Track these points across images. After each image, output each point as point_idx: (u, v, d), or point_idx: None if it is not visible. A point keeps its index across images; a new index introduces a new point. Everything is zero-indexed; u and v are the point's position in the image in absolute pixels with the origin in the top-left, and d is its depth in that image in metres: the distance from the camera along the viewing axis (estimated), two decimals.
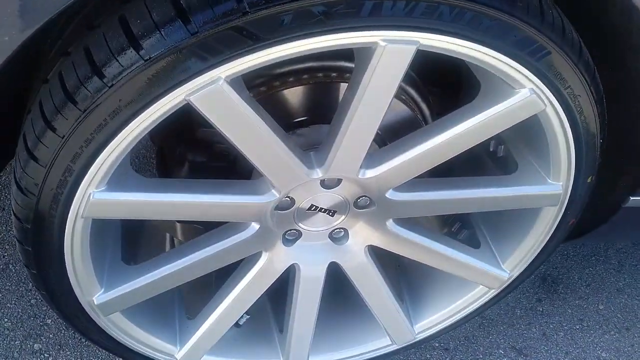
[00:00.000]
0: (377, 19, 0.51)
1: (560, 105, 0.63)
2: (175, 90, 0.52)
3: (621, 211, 0.82)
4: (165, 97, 0.53)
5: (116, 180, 0.60)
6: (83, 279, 0.67)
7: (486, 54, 0.57)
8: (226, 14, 0.49)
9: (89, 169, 0.56)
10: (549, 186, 0.74)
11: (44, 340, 0.97)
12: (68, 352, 0.96)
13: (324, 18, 0.51)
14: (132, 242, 0.79)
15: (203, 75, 0.52)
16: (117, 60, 0.50)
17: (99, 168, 0.56)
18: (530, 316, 1.16)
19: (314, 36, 0.52)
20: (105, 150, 0.55)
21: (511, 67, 0.58)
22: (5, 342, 0.96)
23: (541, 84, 0.60)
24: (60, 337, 0.98)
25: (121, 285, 0.72)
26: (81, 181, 0.56)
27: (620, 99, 0.71)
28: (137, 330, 0.78)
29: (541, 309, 1.18)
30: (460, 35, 0.54)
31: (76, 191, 0.57)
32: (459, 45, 0.56)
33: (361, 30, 0.52)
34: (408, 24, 0.52)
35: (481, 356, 1.07)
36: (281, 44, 0.52)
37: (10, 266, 1.07)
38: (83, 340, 0.97)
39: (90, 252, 0.65)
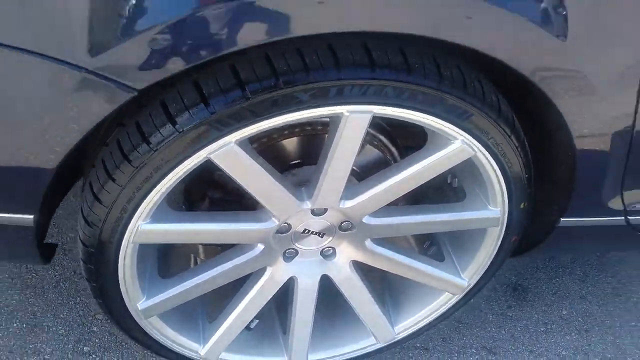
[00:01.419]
0: (341, 98, 0.72)
1: (487, 151, 0.83)
2: (200, 152, 0.73)
3: (555, 230, 1.01)
4: (193, 156, 0.74)
5: (157, 215, 0.81)
6: (130, 290, 0.88)
7: (425, 118, 0.78)
8: (234, 99, 0.70)
9: (138, 208, 0.77)
10: (490, 211, 0.94)
11: (92, 344, 1.18)
12: (111, 354, 1.17)
13: (305, 99, 0.73)
14: (166, 260, 1.00)
15: (219, 141, 0.73)
16: (160, 132, 0.72)
17: (146, 207, 0.77)
18: (501, 320, 1.34)
19: (298, 111, 0.73)
20: (150, 194, 0.76)
21: (444, 126, 0.79)
22: (60, 345, 1.17)
23: (469, 136, 0.80)
24: (104, 341, 1.19)
25: (158, 295, 0.93)
26: (133, 217, 0.77)
27: (542, 144, 0.91)
28: (169, 330, 0.99)
29: (511, 314, 1.36)
30: (403, 106, 0.75)
31: (129, 224, 0.78)
32: (403, 112, 0.76)
33: (331, 106, 0.73)
34: (363, 101, 0.73)
35: (456, 355, 1.26)
36: (275, 117, 0.73)
37: (61, 283, 1.29)
38: (124, 343, 1.18)
39: (136, 269, 0.86)
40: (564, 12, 0.72)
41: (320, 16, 0.67)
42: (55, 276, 1.30)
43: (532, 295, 1.40)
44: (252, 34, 0.66)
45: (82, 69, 0.65)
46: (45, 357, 1.15)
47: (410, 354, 1.24)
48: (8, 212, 0.78)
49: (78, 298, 1.25)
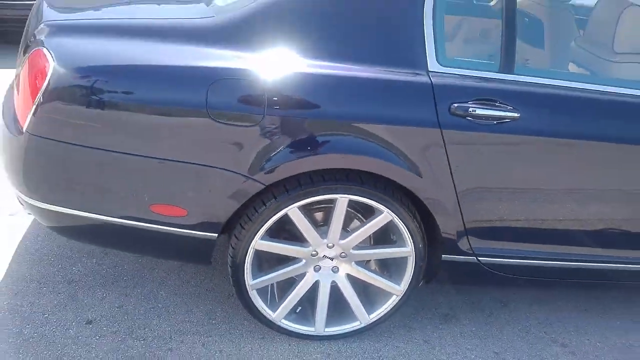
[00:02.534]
0: (335, 192, 1.92)
1: (400, 220, 1.98)
2: (285, 210, 1.93)
3: (442, 264, 2.11)
4: (283, 211, 1.93)
5: (264, 237, 1.99)
6: (247, 276, 2.03)
7: (372, 203, 1.96)
8: (297, 196, 1.91)
9: (258, 232, 1.96)
10: (407, 248, 2.06)
11: (226, 312, 2.29)
12: (239, 316, 2.27)
13: (320, 192, 1.93)
14: (259, 264, 2.15)
15: (289, 207, 1.92)
16: (264, 203, 1.92)
17: (261, 232, 1.96)
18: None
19: (318, 195, 1.92)
20: (262, 229, 1.95)
21: (381, 206, 1.96)
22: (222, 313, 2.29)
23: (391, 212, 1.97)
24: (235, 310, 2.29)
25: (256, 280, 2.08)
26: (254, 238, 1.96)
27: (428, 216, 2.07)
28: (260, 301, 2.11)
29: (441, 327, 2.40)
30: (364, 197, 1.93)
31: (251, 243, 1.96)
32: (364, 200, 1.94)
33: (332, 194, 1.92)
34: (343, 194, 1.92)
35: (402, 344, 2.29)
36: (311, 197, 1.93)
37: (214, 280, 2.42)
38: (242, 311, 2.28)
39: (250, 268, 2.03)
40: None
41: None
42: (214, 278, 2.45)
43: (455, 321, 2.43)
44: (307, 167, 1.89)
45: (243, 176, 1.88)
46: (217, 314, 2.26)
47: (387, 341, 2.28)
48: (206, 232, 1.96)
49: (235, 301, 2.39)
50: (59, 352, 2.04)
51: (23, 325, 2.13)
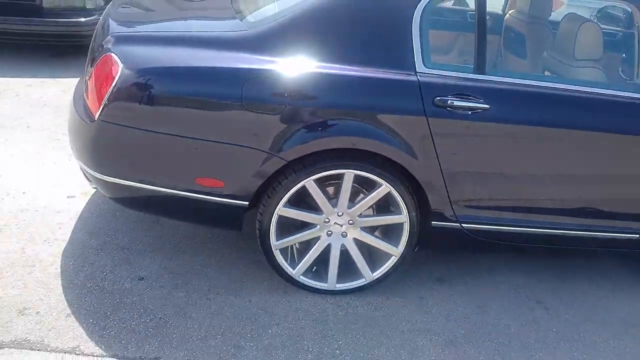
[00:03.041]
0: (345, 168, 2.38)
1: (396, 191, 2.44)
2: (303, 182, 2.40)
3: (432, 230, 2.57)
4: (301, 183, 2.40)
5: (285, 205, 2.46)
6: (272, 238, 2.50)
7: (373, 177, 2.42)
8: (312, 171, 2.38)
9: (280, 201, 2.43)
10: (403, 216, 2.52)
11: (256, 271, 2.75)
12: (262, 270, 2.73)
13: (331, 167, 2.39)
14: (281, 231, 2.61)
15: (305, 180, 2.38)
16: (287, 177, 2.39)
17: (283, 201, 2.43)
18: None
19: (329, 170, 2.39)
20: (284, 197, 2.42)
21: (380, 180, 2.42)
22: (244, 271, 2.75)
23: (390, 185, 2.43)
24: (260, 267, 2.75)
25: (279, 240, 2.54)
26: (277, 205, 2.43)
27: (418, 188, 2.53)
28: (282, 258, 2.58)
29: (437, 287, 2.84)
30: (367, 172, 2.40)
31: (276, 209, 2.43)
32: (367, 174, 2.41)
33: (340, 170, 2.39)
34: (349, 169, 2.38)
35: (400, 299, 2.73)
36: (325, 171, 2.39)
37: (240, 242, 2.89)
38: (267, 267, 2.74)
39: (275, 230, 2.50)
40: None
41: None
42: (242, 249, 2.91)
43: (447, 283, 2.88)
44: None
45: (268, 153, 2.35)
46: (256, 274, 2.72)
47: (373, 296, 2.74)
48: (239, 200, 2.43)
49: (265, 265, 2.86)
50: (117, 300, 2.51)
51: (86, 280, 2.61)
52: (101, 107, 2.32)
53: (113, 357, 2.24)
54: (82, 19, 5.15)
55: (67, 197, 3.22)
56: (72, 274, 2.64)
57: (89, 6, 5.20)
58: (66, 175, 3.42)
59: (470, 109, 2.34)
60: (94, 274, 2.66)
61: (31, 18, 5.06)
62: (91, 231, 2.95)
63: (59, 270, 2.65)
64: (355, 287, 2.67)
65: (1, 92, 4.53)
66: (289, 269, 2.60)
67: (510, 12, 3.49)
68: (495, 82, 2.38)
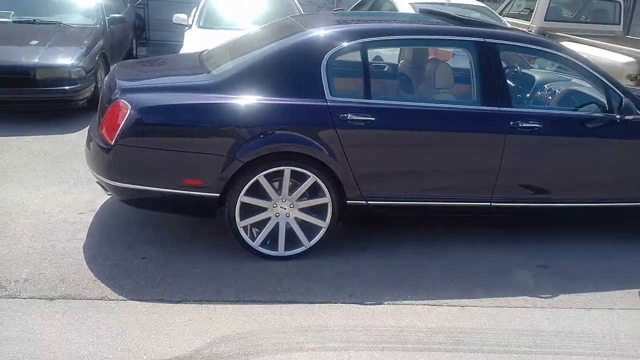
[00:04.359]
0: (283, 165, 3.54)
1: (321, 180, 3.60)
2: (256, 177, 3.53)
3: (348, 207, 3.73)
4: (253, 179, 3.53)
5: (245, 194, 3.58)
6: (238, 222, 3.60)
7: (302, 170, 3.57)
8: (262, 169, 3.53)
9: (241, 191, 3.54)
10: (327, 197, 3.67)
11: (226, 243, 3.81)
12: (230, 244, 3.79)
13: (275, 165, 3.55)
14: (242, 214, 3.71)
15: (258, 175, 3.52)
16: (244, 174, 3.53)
17: (242, 193, 3.55)
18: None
19: (274, 167, 3.55)
20: (243, 190, 3.54)
21: (308, 174, 3.58)
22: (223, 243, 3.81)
23: (315, 176, 3.59)
24: (226, 241, 3.82)
25: (241, 222, 3.65)
26: (239, 195, 3.54)
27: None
28: (246, 235, 3.67)
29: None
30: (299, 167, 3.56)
31: (238, 198, 3.54)
32: (298, 169, 3.56)
33: (281, 167, 3.54)
34: (287, 166, 3.54)
35: (335, 258, 3.84)
36: (270, 168, 3.54)
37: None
38: (242, 249, 3.81)
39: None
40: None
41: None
42: (215, 234, 3.97)
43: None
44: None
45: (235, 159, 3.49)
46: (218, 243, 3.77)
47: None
48: (213, 193, 3.54)
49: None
50: (129, 270, 3.54)
51: (104, 261, 3.63)
52: (116, 135, 3.44)
53: (131, 299, 3.26)
54: (67, 87, 6.29)
55: (78, 213, 4.26)
56: (93, 258, 3.66)
57: (73, 77, 6.34)
58: (74, 199, 4.46)
59: (362, 121, 3.57)
60: (109, 257, 3.69)
61: (26, 88, 6.16)
62: (101, 232, 3.99)
63: (82, 256, 3.67)
64: (299, 253, 3.77)
65: (5, 147, 5.55)
66: (250, 242, 3.70)
67: (401, 61, 4.84)
68: (378, 104, 3.64)
